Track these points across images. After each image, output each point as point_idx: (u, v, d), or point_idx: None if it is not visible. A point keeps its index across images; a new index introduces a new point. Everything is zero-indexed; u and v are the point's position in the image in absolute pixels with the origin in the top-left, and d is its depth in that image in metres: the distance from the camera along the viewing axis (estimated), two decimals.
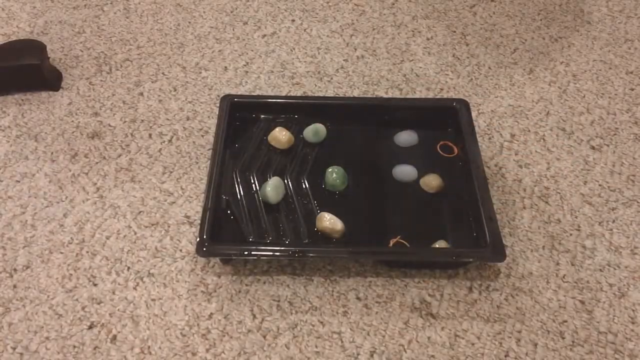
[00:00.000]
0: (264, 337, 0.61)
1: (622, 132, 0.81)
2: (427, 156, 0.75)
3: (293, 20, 0.96)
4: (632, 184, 0.75)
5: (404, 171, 0.73)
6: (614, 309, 0.64)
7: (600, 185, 0.75)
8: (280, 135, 0.75)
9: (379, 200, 0.71)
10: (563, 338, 0.62)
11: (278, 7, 0.98)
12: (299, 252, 0.63)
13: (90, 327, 0.62)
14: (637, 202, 0.73)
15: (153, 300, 0.64)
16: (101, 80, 0.86)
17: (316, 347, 0.61)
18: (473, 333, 0.62)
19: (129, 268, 0.66)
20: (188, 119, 0.81)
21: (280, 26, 0.95)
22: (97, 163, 0.76)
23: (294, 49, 0.91)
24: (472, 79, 0.87)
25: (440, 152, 0.75)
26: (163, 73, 0.87)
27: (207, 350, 0.60)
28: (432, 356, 0.60)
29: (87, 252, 0.67)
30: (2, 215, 0.71)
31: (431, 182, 0.71)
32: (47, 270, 0.66)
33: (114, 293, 0.64)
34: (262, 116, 0.79)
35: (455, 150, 0.75)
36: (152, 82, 0.86)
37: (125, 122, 0.81)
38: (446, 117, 0.78)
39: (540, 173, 0.76)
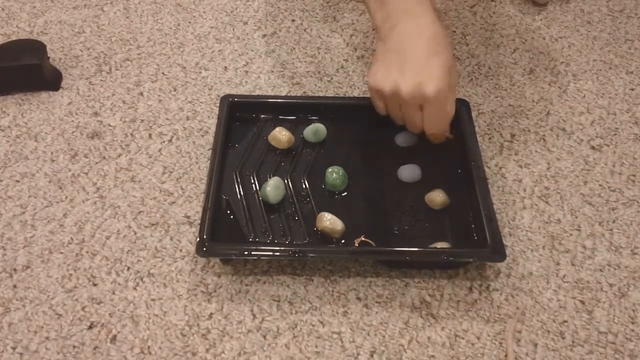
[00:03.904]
0: (264, 337, 0.61)
1: (622, 132, 0.81)
2: (427, 156, 0.75)
3: (293, 20, 0.96)
4: (632, 184, 0.75)
5: (409, 172, 0.73)
6: (614, 309, 0.64)
7: (600, 185, 0.75)
8: (280, 135, 0.75)
9: (379, 200, 0.71)
10: (563, 338, 0.62)
11: (278, 7, 0.98)
12: (299, 252, 0.63)
13: (90, 327, 0.62)
14: (638, 202, 0.73)
15: (153, 300, 0.64)
16: (101, 80, 0.86)
17: (316, 347, 0.61)
18: (473, 333, 0.62)
19: (129, 268, 0.66)
20: (188, 118, 0.81)
21: (280, 26, 0.95)
22: (97, 163, 0.76)
23: (294, 49, 0.91)
24: (472, 79, 0.87)
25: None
26: (163, 73, 0.87)
27: (207, 350, 0.60)
28: (432, 356, 0.60)
29: (87, 252, 0.67)
30: (2, 215, 0.71)
31: (435, 198, 0.70)
32: (47, 270, 0.66)
33: (113, 293, 0.64)
34: (262, 116, 0.79)
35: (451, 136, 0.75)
36: (152, 82, 0.86)
37: (125, 122, 0.81)
38: None
39: (541, 173, 0.76)
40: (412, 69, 0.64)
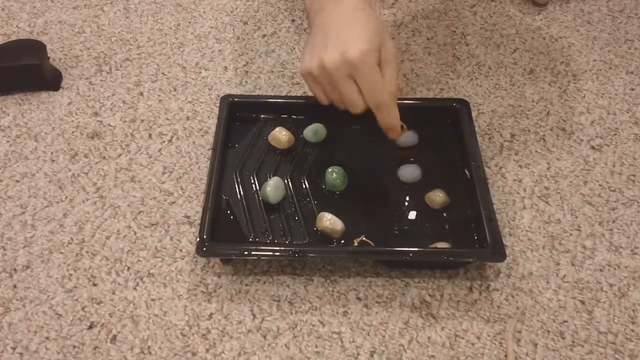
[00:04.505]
0: (264, 337, 0.61)
1: (622, 132, 0.81)
2: (427, 156, 0.75)
3: (293, 20, 0.96)
4: (632, 184, 0.75)
5: (409, 172, 0.73)
6: (614, 309, 0.64)
7: (600, 185, 0.75)
8: (280, 135, 0.75)
9: (379, 200, 0.71)
10: (563, 338, 0.62)
11: (278, 7, 0.98)
12: (299, 252, 0.63)
13: (90, 327, 0.62)
14: (638, 202, 0.73)
15: (153, 300, 0.64)
16: (101, 80, 0.86)
17: (316, 347, 0.61)
18: (473, 333, 0.62)
19: (129, 268, 0.66)
20: (188, 118, 0.81)
21: (280, 26, 0.95)
22: (97, 163, 0.76)
23: (294, 48, 0.91)
24: (472, 79, 0.87)
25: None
26: (163, 73, 0.87)
27: (207, 350, 0.60)
28: (432, 356, 0.60)
29: (87, 252, 0.67)
30: (2, 215, 0.71)
31: (435, 198, 0.70)
32: (47, 270, 0.66)
33: (113, 293, 0.64)
34: (262, 116, 0.79)
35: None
36: (152, 82, 0.86)
37: (125, 122, 0.81)
38: (446, 117, 0.78)
39: (541, 173, 0.76)
40: (334, 41, 0.62)
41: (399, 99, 0.83)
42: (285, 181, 0.72)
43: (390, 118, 0.66)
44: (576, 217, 0.71)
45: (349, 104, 0.65)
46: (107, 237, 0.69)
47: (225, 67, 0.88)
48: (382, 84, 0.64)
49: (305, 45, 0.67)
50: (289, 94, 0.85)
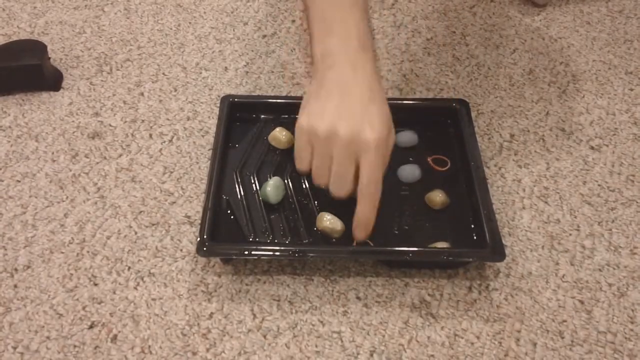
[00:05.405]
0: (264, 336, 0.61)
1: (621, 132, 0.81)
2: (426, 157, 0.75)
3: (293, 21, 0.96)
4: (631, 184, 0.75)
5: (409, 172, 0.73)
6: (613, 309, 0.64)
7: (599, 185, 0.75)
8: (280, 135, 0.75)
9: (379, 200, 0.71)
10: (562, 338, 0.62)
11: (278, 7, 0.99)
12: (299, 252, 0.63)
13: (90, 327, 0.62)
14: (637, 202, 0.73)
15: (153, 299, 0.64)
16: (102, 81, 0.86)
17: (316, 346, 0.61)
18: (472, 333, 0.62)
19: (129, 268, 0.66)
20: (188, 119, 0.81)
21: (280, 27, 0.95)
22: (97, 163, 0.76)
23: (294, 49, 0.92)
24: (472, 79, 0.88)
25: (434, 165, 0.74)
26: (163, 73, 0.88)
27: (208, 350, 0.60)
28: (432, 356, 0.60)
29: (88, 252, 0.68)
30: (3, 215, 0.71)
31: (435, 198, 0.70)
32: (47, 270, 0.66)
33: (114, 293, 0.64)
34: (262, 116, 0.79)
35: (448, 162, 0.74)
36: (153, 82, 0.86)
37: (125, 122, 0.81)
38: (446, 117, 0.78)
39: (540, 173, 0.76)
40: (350, 113, 0.58)
41: (398, 98, 0.84)
42: (285, 181, 0.72)
43: (371, 213, 0.61)
44: (575, 217, 0.72)
45: (337, 183, 0.61)
46: (108, 237, 0.69)
47: (226, 67, 0.89)
48: (381, 176, 0.60)
49: (308, 95, 0.62)
50: (289, 94, 0.85)
